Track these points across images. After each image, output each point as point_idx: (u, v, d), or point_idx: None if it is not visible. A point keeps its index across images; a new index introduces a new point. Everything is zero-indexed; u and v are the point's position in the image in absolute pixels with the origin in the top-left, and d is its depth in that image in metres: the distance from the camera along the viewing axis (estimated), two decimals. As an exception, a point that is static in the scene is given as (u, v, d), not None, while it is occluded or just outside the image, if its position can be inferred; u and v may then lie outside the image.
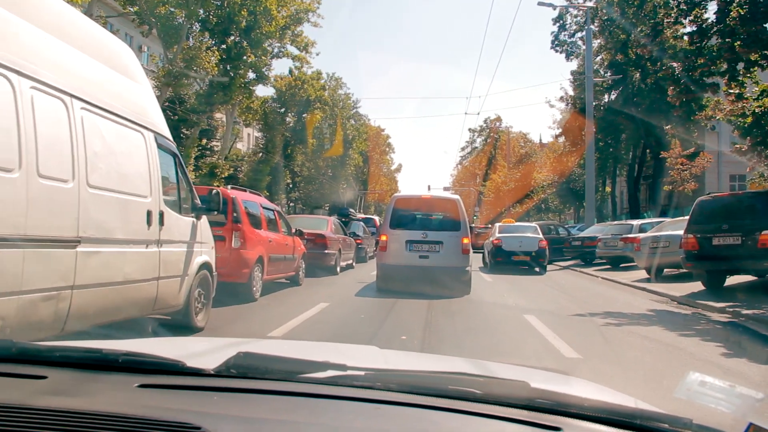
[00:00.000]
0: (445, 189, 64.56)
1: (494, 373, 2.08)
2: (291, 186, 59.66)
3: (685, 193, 43.81)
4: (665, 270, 19.29)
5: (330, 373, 1.66)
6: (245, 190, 13.63)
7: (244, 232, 12.02)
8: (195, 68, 32.87)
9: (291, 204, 62.43)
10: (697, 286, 15.55)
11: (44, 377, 1.69)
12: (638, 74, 37.71)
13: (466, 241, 14.77)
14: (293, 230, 15.45)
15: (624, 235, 23.21)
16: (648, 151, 39.79)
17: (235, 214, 11.98)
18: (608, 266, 24.46)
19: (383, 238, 15.04)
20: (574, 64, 42.08)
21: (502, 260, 22.46)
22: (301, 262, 15.94)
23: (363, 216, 30.97)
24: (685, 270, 17.93)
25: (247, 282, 12.08)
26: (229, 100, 37.74)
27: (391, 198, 15.89)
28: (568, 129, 43.84)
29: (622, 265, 24.21)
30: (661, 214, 37.00)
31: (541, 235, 23.32)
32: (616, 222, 26.81)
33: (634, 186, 40.35)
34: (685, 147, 38.04)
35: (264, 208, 13.67)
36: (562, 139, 48.85)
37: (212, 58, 34.08)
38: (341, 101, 63.61)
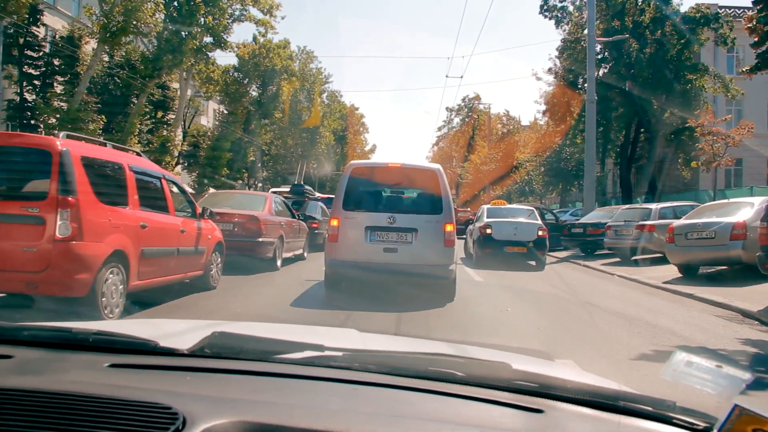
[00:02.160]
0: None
1: (474, 354, 1.97)
2: (260, 165, 54.44)
3: (682, 175, 39.50)
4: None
5: (307, 353, 1.60)
6: (103, 143, 8.46)
7: (81, 209, 6.83)
8: (136, 23, 27.47)
9: (259, 184, 57.32)
10: (760, 291, 11.29)
11: (10, 356, 1.61)
12: (635, 43, 32.95)
13: (449, 228, 10.03)
14: (199, 210, 10.26)
15: (641, 222, 18.26)
16: (642, 130, 34.92)
17: (65, 180, 6.79)
18: (616, 259, 19.54)
19: (333, 222, 10.21)
20: (563, 35, 36.91)
21: (492, 251, 17.33)
22: (216, 256, 10.86)
23: (323, 196, 25.44)
24: (720, 267, 14.45)
25: (89, 295, 6.92)
26: (179, 63, 32.48)
27: (346, 167, 10.75)
28: (555, 104, 38.87)
29: (634, 258, 19.32)
30: (656, 199, 32.51)
31: (540, 221, 18.25)
32: (628, 206, 21.82)
33: (626, 168, 35.52)
34: (677, 132, 33.37)
35: (137, 172, 8.39)
36: (546, 118, 43.85)
37: (156, 13, 28.76)
38: (312, 76, 58.20)
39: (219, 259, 11.02)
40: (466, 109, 77.73)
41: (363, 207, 10.23)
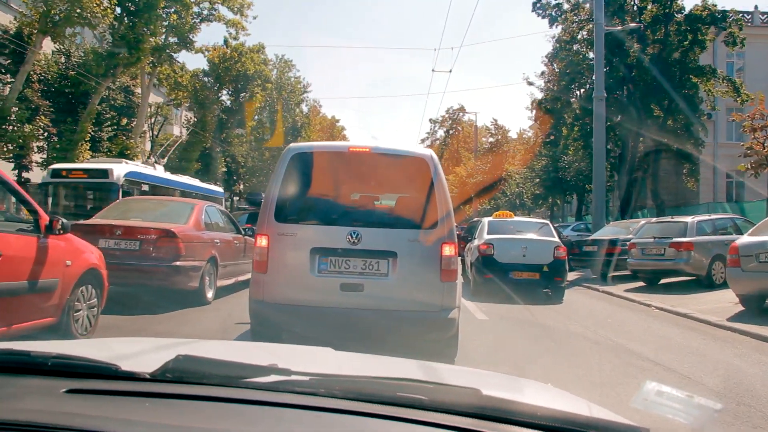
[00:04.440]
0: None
1: (446, 378, 1.94)
2: (235, 178, 50.33)
3: (683, 187, 35.78)
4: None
5: (272, 378, 1.51)
6: None
7: None
8: (80, 11, 23.35)
9: (235, 198, 53.12)
10: None
11: None
12: (636, 44, 29.26)
13: (449, 251, 6.14)
14: (46, 221, 6.20)
15: (675, 239, 14.33)
16: (641, 139, 31.07)
17: None
18: (638, 283, 15.61)
19: (260, 242, 6.21)
20: (557, 35, 33.15)
21: (494, 276, 13.16)
22: (86, 292, 6.76)
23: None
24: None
25: None
26: (136, 60, 28.39)
27: (283, 153, 6.58)
28: (547, 110, 34.89)
29: (663, 281, 15.43)
30: (657, 213, 28.73)
31: (556, 238, 14.05)
32: (656, 220, 17.81)
33: (626, 180, 31.65)
34: (680, 140, 29.63)
35: None
36: (537, 125, 39.98)
37: (104, 0, 24.68)
38: (290, 85, 54.06)
39: (93, 297, 6.90)
40: (450, 121, 73.71)
41: (308, 217, 6.34)
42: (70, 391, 1.46)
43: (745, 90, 28.73)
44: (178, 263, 9.24)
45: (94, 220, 10.04)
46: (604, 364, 6.93)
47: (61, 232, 6.26)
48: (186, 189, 22.84)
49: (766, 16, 39.81)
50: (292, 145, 6.68)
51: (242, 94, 43.02)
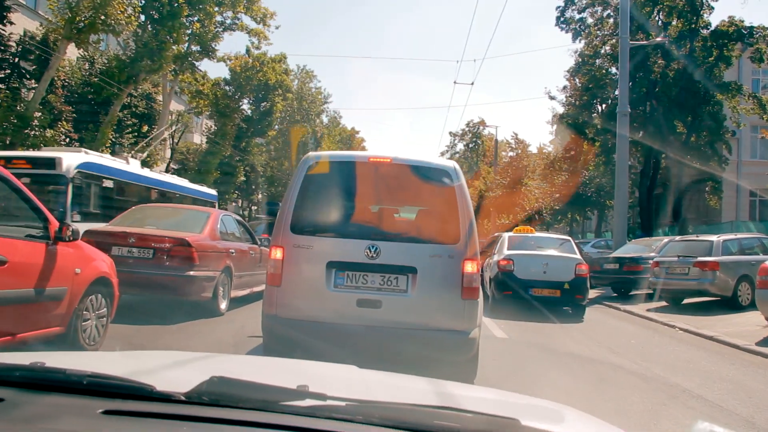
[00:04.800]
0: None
1: (483, 404, 1.92)
2: (254, 187, 50.26)
3: (705, 205, 35.22)
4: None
5: (308, 402, 1.50)
6: None
7: None
8: (105, 18, 23.36)
9: (253, 207, 53.07)
10: None
11: (1, 399, 1.52)
12: (660, 60, 28.87)
13: (471, 268, 5.86)
14: (55, 227, 6.01)
15: (700, 258, 13.94)
16: (664, 155, 30.52)
17: None
18: (661, 303, 15.21)
19: (275, 254, 5.95)
20: (580, 50, 32.79)
21: (514, 294, 12.83)
22: (95, 301, 6.56)
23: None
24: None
25: None
26: (158, 68, 28.28)
27: (300, 163, 6.34)
28: (568, 127, 34.44)
29: (686, 301, 15.05)
30: (680, 231, 28.21)
31: (578, 255, 13.69)
32: (680, 238, 17.39)
33: (647, 197, 31.15)
34: (703, 157, 29.14)
35: None
36: (557, 141, 39.57)
37: (130, 9, 24.68)
38: (310, 95, 54.03)
39: (103, 306, 6.69)
40: (470, 134, 73.22)
41: (325, 229, 6.06)
42: (107, 412, 1.45)
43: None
44: (191, 273, 9.04)
45: (108, 227, 9.87)
46: (633, 390, 6.59)
47: (71, 239, 6.07)
48: (166, 189, 19.77)
49: (792, 33, 39.16)
50: (310, 153, 6.44)
51: (263, 104, 43.02)
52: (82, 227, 7.58)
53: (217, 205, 22.13)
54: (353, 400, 1.56)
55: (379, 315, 5.66)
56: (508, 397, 2.15)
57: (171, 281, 8.92)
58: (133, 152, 22.51)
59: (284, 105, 44.72)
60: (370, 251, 5.68)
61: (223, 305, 9.97)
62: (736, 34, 28.04)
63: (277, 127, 48.16)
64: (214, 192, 25.41)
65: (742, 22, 28.23)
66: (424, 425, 1.44)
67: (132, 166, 18.08)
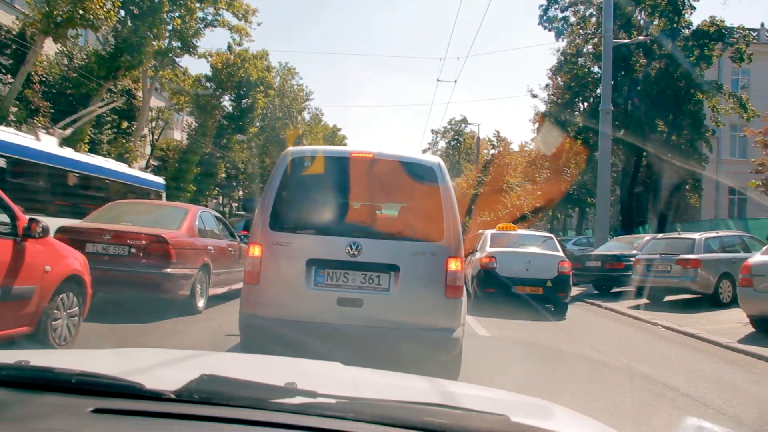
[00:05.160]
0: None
1: (472, 400, 1.90)
2: (234, 184, 49.91)
3: (685, 203, 35.37)
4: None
5: (298, 400, 1.48)
6: None
7: None
8: (83, 13, 22.97)
9: (235, 204, 52.74)
10: None
11: None
12: (642, 59, 28.95)
13: (455, 266, 5.70)
14: (24, 223, 5.78)
15: (682, 256, 13.91)
16: (645, 154, 30.60)
17: None
18: (642, 300, 15.17)
19: (253, 251, 5.76)
20: (562, 48, 32.84)
21: (496, 291, 12.72)
22: (66, 300, 6.35)
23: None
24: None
25: None
26: (138, 64, 27.89)
27: (280, 158, 6.15)
28: (550, 125, 34.46)
29: (668, 299, 15.01)
30: (660, 228, 28.25)
31: (561, 252, 13.61)
32: (662, 235, 17.35)
33: (628, 194, 31.28)
34: (684, 155, 29.24)
35: None
36: (539, 138, 39.54)
37: (107, 3, 24.28)
38: (292, 92, 53.62)
39: (74, 305, 6.46)
40: (452, 132, 73.13)
41: (305, 226, 5.91)
42: (97, 411, 1.44)
43: (751, 106, 28.37)
44: (168, 270, 8.80)
45: (82, 224, 9.61)
46: (619, 388, 6.50)
47: (41, 235, 5.85)
48: (92, 173, 15.96)
49: (772, 33, 39.51)
50: (290, 148, 6.24)
51: (244, 101, 42.68)
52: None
53: (164, 195, 18.81)
54: (343, 397, 1.56)
55: (361, 314, 5.50)
56: (497, 394, 2.13)
57: (147, 279, 8.69)
58: (53, 128, 17.66)
59: (266, 102, 44.34)
60: (352, 249, 5.51)
61: (201, 303, 9.75)
62: (717, 33, 28.23)
63: (258, 124, 47.77)
64: (160, 180, 21.29)
65: (723, 22, 28.42)
66: (414, 422, 1.43)
67: (44, 143, 14.14)
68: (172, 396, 1.49)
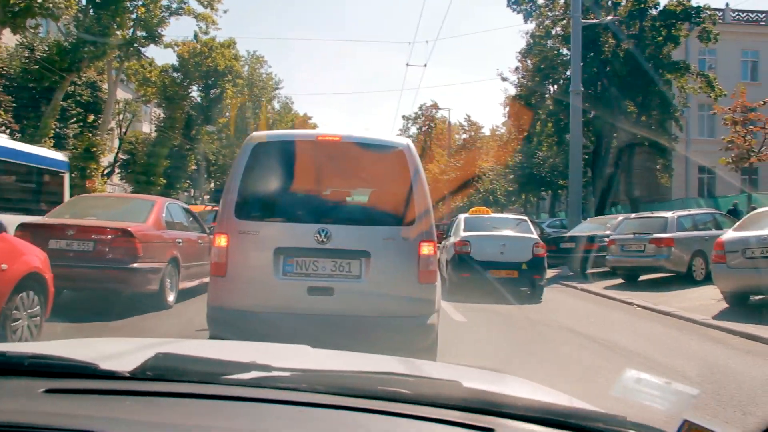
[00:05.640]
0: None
1: (427, 372, 1.99)
2: (206, 176, 49.38)
3: (656, 183, 35.57)
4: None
5: (253, 374, 1.47)
6: None
7: None
8: (42, 2, 22.41)
9: (206, 196, 52.20)
10: None
11: None
12: (611, 39, 28.98)
13: (427, 250, 5.51)
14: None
15: (656, 235, 13.93)
16: (615, 135, 30.71)
17: None
18: (617, 280, 15.24)
19: (219, 241, 5.52)
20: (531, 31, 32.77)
21: (471, 275, 12.62)
22: (26, 300, 6.12)
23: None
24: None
25: None
26: (101, 54, 27.35)
27: (244, 143, 5.95)
28: (521, 107, 34.51)
29: (642, 278, 15.07)
30: (633, 208, 28.42)
31: (535, 235, 13.52)
32: (635, 215, 17.35)
33: (598, 175, 31.34)
34: (654, 135, 29.49)
35: None
36: (510, 123, 39.60)
37: (69, -8, 23.73)
38: (261, 81, 53.12)
39: (35, 304, 6.22)
40: (423, 118, 72.81)
41: (272, 214, 5.70)
42: (49, 391, 1.42)
43: (719, 86, 28.58)
44: (135, 265, 8.56)
45: (44, 219, 9.30)
46: (599, 370, 6.40)
47: (-7, 231, 5.61)
48: None
49: (737, 13, 39.85)
50: (254, 134, 6.03)
51: (213, 90, 42.18)
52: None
53: (67, 176, 13.70)
54: (299, 369, 1.55)
55: (332, 303, 5.33)
56: (452, 367, 2.20)
57: (114, 275, 8.45)
58: None
59: (234, 91, 43.86)
60: (320, 235, 5.33)
61: (171, 298, 9.52)
62: (683, 13, 28.27)
63: (227, 114, 47.28)
64: (61, 158, 14.88)
65: (689, 2, 28.50)
66: (368, 391, 1.43)
67: None
68: (127, 374, 1.47)
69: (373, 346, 5.16)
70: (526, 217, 15.50)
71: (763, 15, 40.11)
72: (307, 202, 5.78)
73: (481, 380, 1.79)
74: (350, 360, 2.21)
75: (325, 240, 5.34)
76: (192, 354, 1.62)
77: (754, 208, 15.36)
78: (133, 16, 30.44)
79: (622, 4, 29.34)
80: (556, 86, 32.46)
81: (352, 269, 5.39)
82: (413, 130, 74.70)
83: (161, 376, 1.47)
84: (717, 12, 32.24)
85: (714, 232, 13.64)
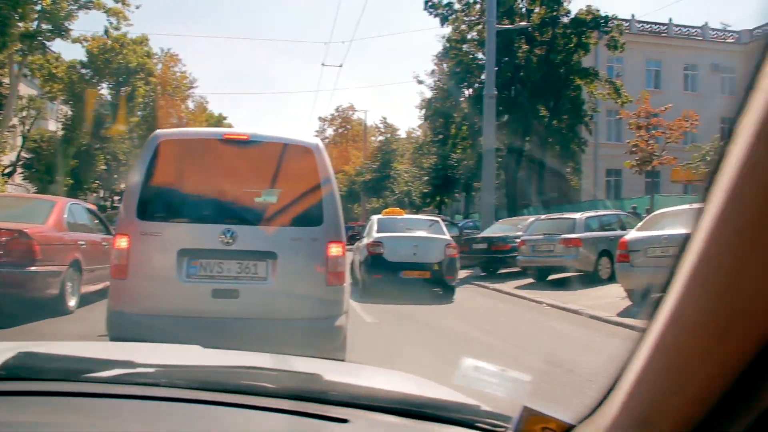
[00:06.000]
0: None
1: (292, 367, 1.89)
2: (116, 176, 47.86)
3: (567, 185, 36.64)
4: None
5: (115, 371, 1.43)
6: None
7: None
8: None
9: (117, 197, 50.60)
10: None
11: None
12: (525, 45, 29.78)
13: (336, 251, 5.44)
14: None
15: (564, 236, 14.32)
16: (527, 138, 31.53)
17: None
18: (528, 280, 15.59)
19: (120, 243, 5.28)
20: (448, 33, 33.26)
21: (384, 277, 12.65)
22: None
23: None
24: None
25: None
26: (1, 47, 26.10)
27: (148, 141, 5.75)
28: (437, 109, 34.97)
29: (551, 277, 15.46)
30: (544, 210, 29.22)
31: (447, 236, 13.64)
32: (545, 216, 17.79)
33: (513, 178, 32.12)
34: (565, 139, 30.56)
35: None
36: (426, 125, 40.04)
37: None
38: (175, 80, 51.85)
39: None
40: (339, 119, 72.83)
41: (176, 214, 5.51)
42: None
43: (625, 92, 29.73)
44: (33, 268, 8.14)
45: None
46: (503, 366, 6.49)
47: None
48: None
49: (642, 24, 41.54)
50: (158, 131, 5.83)
51: (124, 88, 40.86)
52: None
53: None
54: (161, 365, 1.54)
55: (237, 305, 5.21)
56: (316, 361, 2.19)
57: (9, 278, 8.00)
58: None
59: (147, 89, 42.63)
60: (226, 236, 5.20)
61: (72, 302, 9.12)
62: (593, 22, 29.39)
63: (140, 113, 45.93)
64: None
65: (598, 11, 29.60)
66: (230, 385, 1.43)
67: None
68: None
69: (279, 349, 5.09)
70: (438, 219, 15.66)
71: (666, 27, 41.93)
72: (212, 202, 5.62)
73: (341, 373, 1.84)
74: (233, 358, 2.18)
75: (230, 241, 5.21)
76: (62, 353, 1.58)
77: (650, 211, 16.07)
78: (38, 7, 29.23)
79: (536, 11, 30.20)
80: (471, 90, 33.04)
81: (259, 271, 5.28)
82: (330, 131, 74.74)
83: (18, 375, 1.43)
84: (624, 22, 33.56)
85: (619, 232, 14.10)
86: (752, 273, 0.60)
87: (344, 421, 1.31)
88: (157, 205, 5.45)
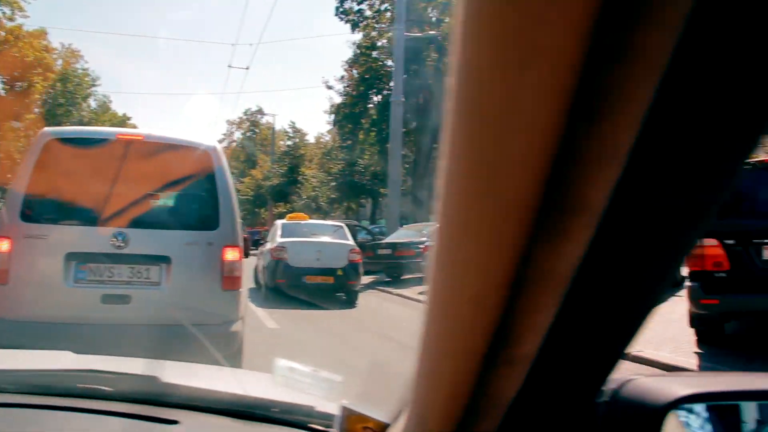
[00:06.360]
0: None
1: (135, 370, 1.78)
2: (10, 176, 45.68)
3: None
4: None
5: None
6: None
7: None
8: None
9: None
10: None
11: None
12: (435, 53, 30.33)
13: (232, 256, 5.36)
14: None
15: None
16: (435, 145, 32.14)
17: None
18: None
19: (2, 245, 5.00)
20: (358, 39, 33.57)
21: (288, 282, 12.58)
22: None
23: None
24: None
25: None
26: None
27: (35, 139, 5.54)
28: (346, 115, 35.13)
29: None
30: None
31: (351, 241, 13.73)
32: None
33: (419, 185, 32.58)
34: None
35: None
36: (335, 131, 40.13)
37: None
38: (77, 77, 49.92)
39: None
40: (248, 123, 71.81)
41: (64, 216, 5.28)
42: None
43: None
44: None
45: None
46: (401, 372, 6.56)
47: None
48: None
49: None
50: (46, 129, 5.61)
51: (19, 83, 39.10)
52: None
53: None
54: (10, 371, 1.54)
55: (128, 311, 5.06)
56: (162, 364, 2.05)
57: None
58: None
59: (45, 86, 40.91)
60: (117, 239, 5.05)
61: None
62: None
63: (37, 110, 44.04)
64: None
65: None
66: (66, 389, 1.43)
67: None
68: None
69: (173, 356, 4.98)
70: (342, 224, 15.72)
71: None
72: (103, 205, 5.44)
73: (181, 374, 1.82)
74: (94, 363, 2.05)
75: (122, 245, 5.06)
76: None
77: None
78: None
79: (446, 21, 30.78)
80: (380, 96, 33.38)
81: (151, 276, 5.15)
82: (237, 134, 73.66)
83: None
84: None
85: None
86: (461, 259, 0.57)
87: (174, 422, 1.32)
88: (44, 206, 5.24)
